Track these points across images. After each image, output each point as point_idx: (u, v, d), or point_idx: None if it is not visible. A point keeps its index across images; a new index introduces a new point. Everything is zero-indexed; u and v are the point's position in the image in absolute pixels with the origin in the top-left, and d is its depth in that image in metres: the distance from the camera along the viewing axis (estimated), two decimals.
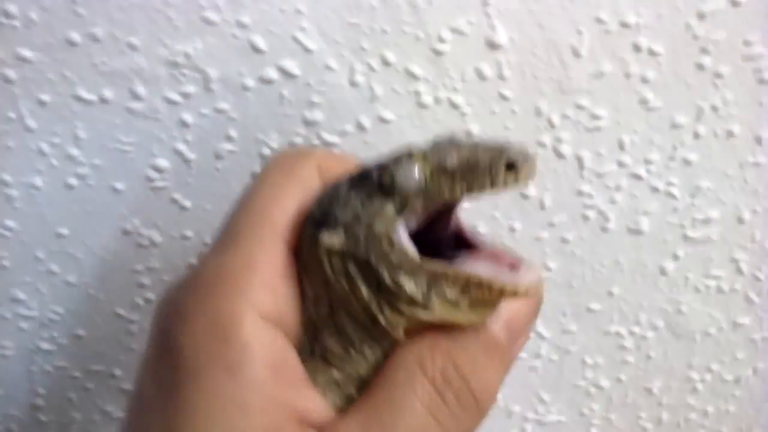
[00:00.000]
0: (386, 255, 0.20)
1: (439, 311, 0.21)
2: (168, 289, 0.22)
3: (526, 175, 0.20)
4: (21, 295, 0.44)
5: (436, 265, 0.20)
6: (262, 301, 0.21)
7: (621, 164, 0.41)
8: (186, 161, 0.39)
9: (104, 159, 0.39)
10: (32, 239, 0.42)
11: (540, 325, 0.48)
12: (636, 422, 0.54)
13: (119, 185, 0.40)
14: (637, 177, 0.42)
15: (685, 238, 0.44)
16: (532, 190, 0.42)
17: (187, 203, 0.41)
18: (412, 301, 0.20)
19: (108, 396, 0.49)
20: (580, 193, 0.42)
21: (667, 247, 0.45)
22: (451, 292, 0.20)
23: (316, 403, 0.21)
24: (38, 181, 0.40)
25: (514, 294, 0.20)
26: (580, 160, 0.41)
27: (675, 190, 0.42)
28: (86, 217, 0.41)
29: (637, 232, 0.44)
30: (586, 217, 0.43)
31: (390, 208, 0.21)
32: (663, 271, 0.46)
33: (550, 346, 0.49)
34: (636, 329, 0.49)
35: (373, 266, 0.21)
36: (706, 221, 0.44)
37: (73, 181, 0.40)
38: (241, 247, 0.21)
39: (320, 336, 0.22)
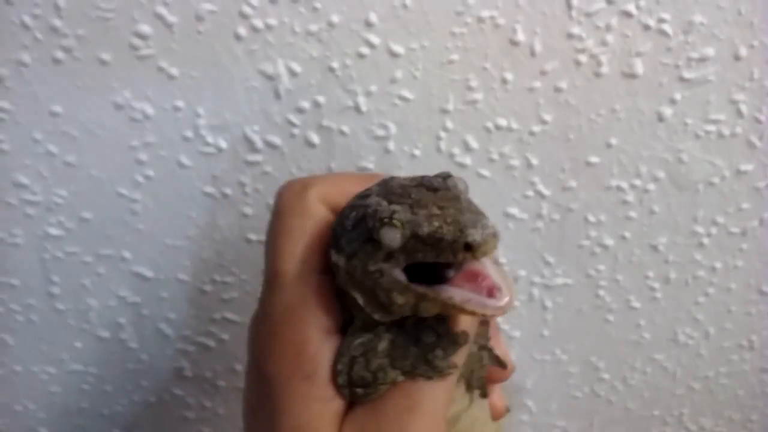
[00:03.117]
0: (379, 282, 0.25)
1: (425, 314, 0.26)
2: (250, 322, 0.30)
3: (482, 253, 0.24)
4: (24, 180, 0.45)
5: (421, 288, 0.25)
6: (323, 320, 0.27)
7: (610, 1, 0.40)
8: (168, 26, 0.39)
9: (87, 29, 0.39)
10: (28, 120, 0.42)
11: (539, 184, 0.48)
12: (644, 282, 0.55)
13: (106, 56, 0.40)
14: (628, 14, 0.41)
15: (681, 79, 0.44)
16: (521, 35, 0.41)
17: (174, 71, 0.41)
18: (402, 309, 0.26)
19: (121, 280, 0.50)
20: (570, 36, 0.41)
21: (663, 91, 0.44)
22: (433, 308, 0.26)
23: None
24: (26, 57, 0.40)
25: (482, 316, 0.27)
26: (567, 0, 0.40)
27: (667, 27, 0.41)
28: (77, 93, 0.41)
29: (631, 75, 0.43)
30: (578, 63, 0.42)
31: (380, 254, 0.25)
32: (661, 117, 0.45)
33: (550, 205, 0.49)
34: (637, 182, 0.48)
35: (369, 288, 0.26)
36: (702, 60, 0.43)
37: (60, 54, 0.40)
38: (291, 287, 0.28)
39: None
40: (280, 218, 0.29)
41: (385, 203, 0.25)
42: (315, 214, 0.29)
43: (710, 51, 0.43)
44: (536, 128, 0.45)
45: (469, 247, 0.23)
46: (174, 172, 0.45)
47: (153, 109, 0.42)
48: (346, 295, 0.28)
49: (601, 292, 0.55)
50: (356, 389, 0.27)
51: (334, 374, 0.27)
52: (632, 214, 0.50)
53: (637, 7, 0.40)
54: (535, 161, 0.47)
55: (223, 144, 0.44)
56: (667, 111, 0.45)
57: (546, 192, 0.48)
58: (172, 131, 0.43)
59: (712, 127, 0.46)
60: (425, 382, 0.27)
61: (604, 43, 0.42)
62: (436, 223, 0.24)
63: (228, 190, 0.46)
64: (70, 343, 0.53)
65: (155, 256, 0.49)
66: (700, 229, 0.52)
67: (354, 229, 0.26)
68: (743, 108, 0.45)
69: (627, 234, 0.51)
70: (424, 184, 0.26)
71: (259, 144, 0.44)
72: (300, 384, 0.27)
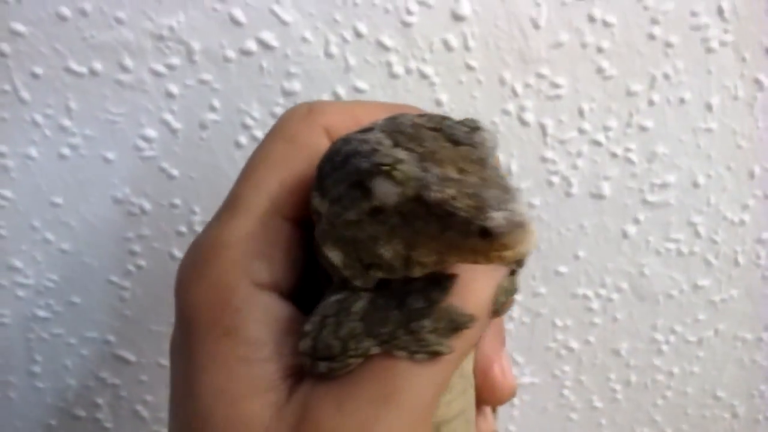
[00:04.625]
0: (359, 233, 0.20)
1: (417, 272, 0.20)
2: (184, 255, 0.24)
3: (501, 247, 0.17)
4: (18, 264, 0.46)
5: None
6: (257, 270, 0.22)
7: (581, 131, 0.44)
8: (173, 131, 0.42)
9: (95, 129, 0.42)
10: (28, 209, 0.44)
11: None
12: (606, 384, 0.57)
13: (110, 155, 0.43)
14: (597, 143, 0.44)
15: (645, 202, 0.47)
16: (500, 157, 0.44)
17: (175, 172, 0.43)
18: (391, 268, 0.20)
19: (102, 362, 0.51)
20: (544, 160, 0.45)
21: (627, 212, 0.48)
22: (428, 254, 0.19)
23: None
24: (33, 152, 0.42)
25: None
26: (543, 128, 0.43)
27: (633, 156, 0.45)
28: (79, 187, 0.44)
29: (599, 196, 0.47)
30: (550, 183, 0.46)
31: (366, 205, 0.20)
32: (625, 235, 0.49)
33: (522, 309, 0.52)
34: (602, 291, 0.51)
35: (350, 243, 0.20)
36: (664, 186, 0.47)
37: (66, 151, 0.42)
38: (237, 220, 0.23)
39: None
40: (267, 139, 0.24)
41: (388, 142, 0.20)
42: (309, 145, 0.23)
43: (671, 178, 0.46)
44: None
45: (487, 234, 0.17)
46: (165, 263, 0.47)
47: (150, 205, 0.44)
48: (320, 254, 0.22)
49: (566, 392, 0.57)
50: (319, 362, 0.21)
51: (301, 335, 0.21)
52: (597, 320, 0.53)
53: (606, 138, 0.44)
54: None
55: None
56: (631, 229, 0.48)
57: (518, 297, 0.51)
58: (167, 226, 0.45)
59: (672, 246, 0.50)
60: (409, 365, 0.20)
61: (574, 167, 0.45)
62: (450, 191, 0.18)
63: None
64: (46, 420, 0.54)
65: (138, 341, 0.50)
66: (659, 337, 0.55)
67: (343, 166, 0.20)
68: (701, 229, 0.49)
69: (591, 338, 0.54)
70: (444, 130, 0.20)
71: None
72: (221, 339, 0.22)
